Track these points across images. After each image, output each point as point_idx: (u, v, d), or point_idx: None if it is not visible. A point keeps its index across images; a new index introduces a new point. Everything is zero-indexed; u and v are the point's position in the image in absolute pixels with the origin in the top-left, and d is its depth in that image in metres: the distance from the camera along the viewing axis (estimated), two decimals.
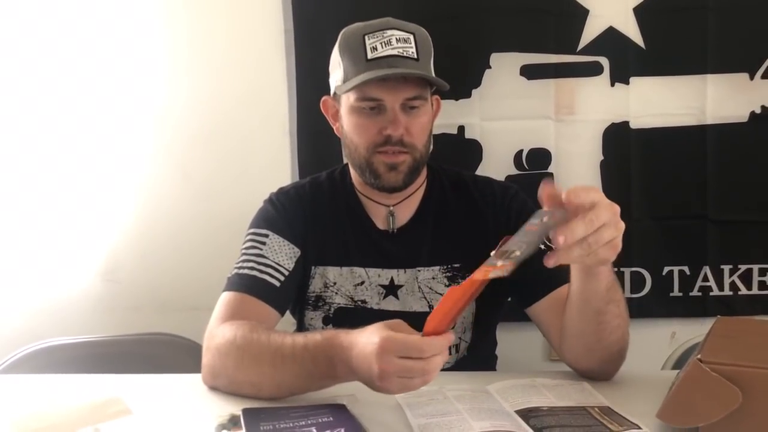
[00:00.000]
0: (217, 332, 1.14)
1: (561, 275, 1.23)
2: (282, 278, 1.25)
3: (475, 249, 1.30)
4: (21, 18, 1.87)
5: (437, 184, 1.38)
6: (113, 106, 1.90)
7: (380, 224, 1.34)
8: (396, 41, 1.23)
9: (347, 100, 1.27)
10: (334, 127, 1.34)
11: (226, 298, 1.22)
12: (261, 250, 1.26)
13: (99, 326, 1.73)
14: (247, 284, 1.22)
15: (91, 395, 0.95)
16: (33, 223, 1.93)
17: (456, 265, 1.32)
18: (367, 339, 0.95)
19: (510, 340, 1.56)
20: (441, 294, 1.29)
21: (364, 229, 1.34)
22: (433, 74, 1.29)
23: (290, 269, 1.26)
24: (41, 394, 1.15)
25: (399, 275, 1.32)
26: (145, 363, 1.40)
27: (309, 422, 0.94)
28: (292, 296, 1.30)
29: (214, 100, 1.88)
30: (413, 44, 1.24)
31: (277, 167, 1.85)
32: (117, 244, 1.94)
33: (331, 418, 0.96)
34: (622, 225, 0.90)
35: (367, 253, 1.32)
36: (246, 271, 1.24)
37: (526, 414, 0.98)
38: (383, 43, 1.22)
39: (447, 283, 1.31)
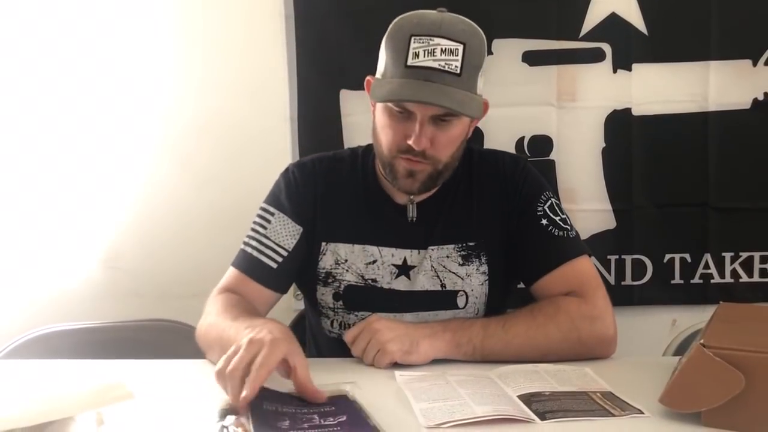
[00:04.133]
0: (209, 303, 1.25)
1: (566, 251, 1.25)
2: (280, 259, 1.28)
3: (489, 228, 1.30)
4: (21, 18, 1.86)
5: (465, 168, 1.33)
6: (113, 97, 1.89)
7: (400, 201, 1.31)
8: (441, 52, 1.15)
9: None
10: (371, 107, 1.29)
11: (231, 272, 1.31)
12: (265, 229, 1.31)
13: (101, 313, 1.72)
14: (246, 265, 1.29)
15: (93, 379, 0.96)
16: (35, 213, 1.93)
17: (471, 244, 1.30)
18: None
19: None
20: (454, 273, 1.28)
21: (381, 208, 1.32)
22: (478, 88, 1.21)
23: (290, 249, 1.29)
24: (43, 379, 1.15)
25: (412, 255, 1.30)
26: (147, 349, 1.40)
27: (311, 410, 0.94)
28: (292, 275, 1.33)
29: (214, 87, 1.88)
30: (460, 57, 1.15)
31: (277, 154, 1.85)
32: (118, 231, 1.94)
33: (333, 407, 0.95)
34: None
35: (381, 233, 1.30)
36: (249, 249, 1.30)
37: (528, 399, 0.98)
38: (427, 52, 1.15)
39: (461, 262, 1.29)
